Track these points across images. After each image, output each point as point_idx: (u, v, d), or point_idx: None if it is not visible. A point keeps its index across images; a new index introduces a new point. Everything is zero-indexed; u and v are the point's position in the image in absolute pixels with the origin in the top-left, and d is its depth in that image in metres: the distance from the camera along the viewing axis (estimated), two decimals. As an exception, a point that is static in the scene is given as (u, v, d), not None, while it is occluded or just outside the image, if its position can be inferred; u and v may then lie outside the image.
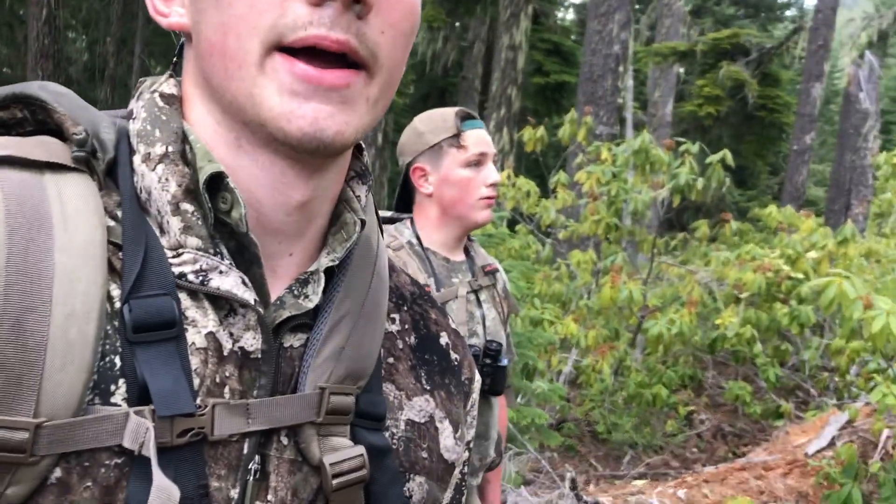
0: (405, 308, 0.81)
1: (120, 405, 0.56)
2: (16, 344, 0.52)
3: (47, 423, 0.52)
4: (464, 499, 0.87)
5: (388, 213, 2.11)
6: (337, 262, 0.69)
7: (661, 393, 5.89)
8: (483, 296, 2.05)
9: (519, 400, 5.18)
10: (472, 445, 0.87)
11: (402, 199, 2.11)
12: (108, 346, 0.57)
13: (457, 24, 16.63)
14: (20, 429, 0.51)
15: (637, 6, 21.02)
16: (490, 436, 2.07)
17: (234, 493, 0.61)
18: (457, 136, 1.99)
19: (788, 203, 11.45)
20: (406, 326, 0.79)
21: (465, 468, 0.85)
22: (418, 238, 2.00)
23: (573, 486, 3.75)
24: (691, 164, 5.70)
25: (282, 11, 0.56)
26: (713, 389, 7.43)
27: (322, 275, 0.68)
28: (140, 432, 0.54)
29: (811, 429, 5.27)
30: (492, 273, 2.11)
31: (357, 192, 0.71)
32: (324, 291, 0.68)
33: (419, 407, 0.76)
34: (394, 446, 0.72)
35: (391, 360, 0.75)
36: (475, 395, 0.86)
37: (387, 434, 0.71)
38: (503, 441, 2.18)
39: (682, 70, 17.61)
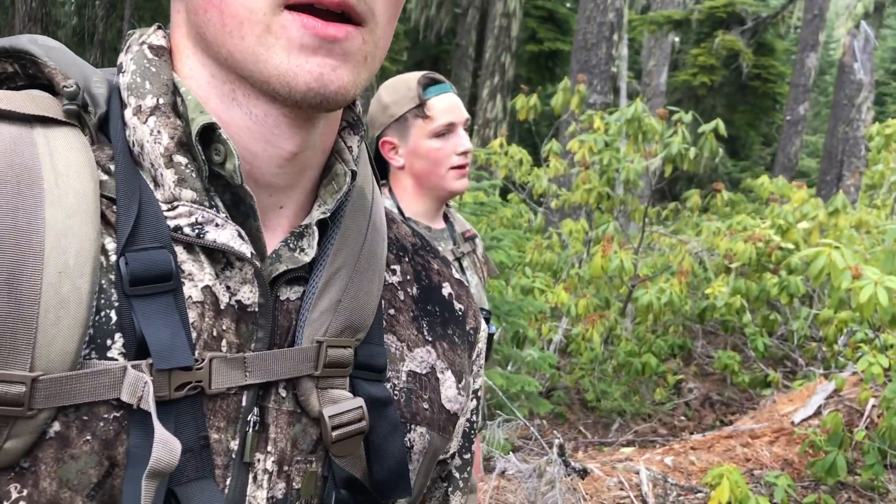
0: (406, 259, 0.81)
1: (117, 359, 0.56)
2: (8, 298, 0.52)
3: (43, 376, 0.52)
4: (473, 446, 0.88)
5: None
6: (329, 215, 0.69)
7: (650, 362, 5.93)
8: (465, 262, 2.03)
9: (509, 368, 5.21)
10: (479, 394, 0.87)
11: (378, 171, 2.06)
12: (103, 301, 0.57)
13: (451, -10, 16.46)
14: (16, 382, 0.51)
15: (633, -26, 20.81)
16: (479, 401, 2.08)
17: (234, 445, 0.61)
18: (421, 105, 1.93)
19: (781, 174, 11.45)
20: (408, 277, 0.79)
21: (473, 416, 0.86)
22: (399, 208, 1.96)
23: (561, 453, 3.78)
24: (684, 133, 5.69)
25: None
26: (702, 359, 7.49)
27: (315, 228, 0.68)
28: (138, 386, 0.55)
29: (798, 398, 5.32)
30: (471, 239, 2.09)
31: (349, 142, 0.71)
32: (319, 244, 0.68)
33: (420, 358, 0.76)
34: (395, 397, 0.72)
35: (392, 311, 0.76)
36: (481, 345, 0.86)
37: (388, 385, 0.72)
38: (484, 406, 2.18)
39: (677, 39, 17.49)
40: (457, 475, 0.86)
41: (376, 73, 0.66)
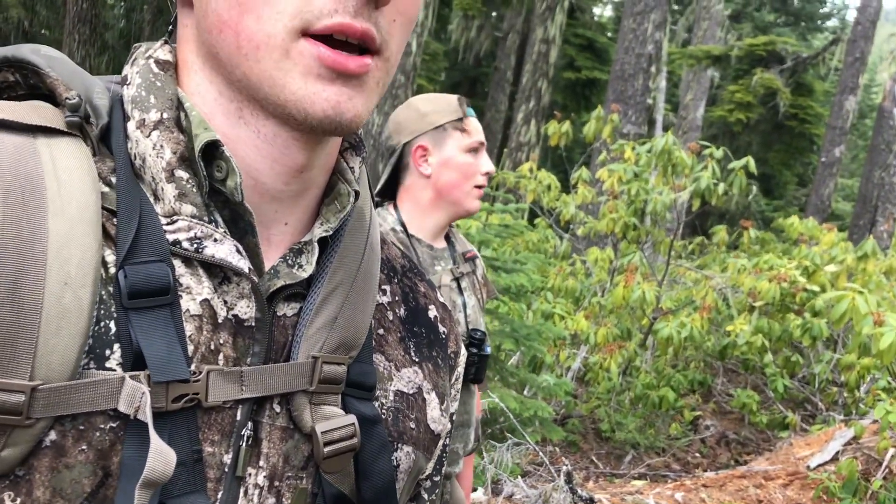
0: (395, 280, 0.82)
1: (115, 370, 0.56)
2: (11, 307, 0.52)
3: (43, 385, 0.52)
4: (443, 469, 0.89)
5: None
6: (331, 233, 0.69)
7: (667, 396, 5.88)
8: (464, 283, 2.03)
9: (525, 392, 5.19)
10: (454, 418, 0.88)
11: (390, 183, 2.04)
12: (102, 312, 0.57)
13: (493, 13, 16.58)
14: (16, 391, 0.51)
15: (675, 7, 20.83)
16: (471, 423, 2.08)
17: (227, 459, 0.61)
18: (461, 119, 1.97)
19: (813, 215, 11.34)
20: (396, 298, 0.80)
21: (447, 440, 0.87)
22: (403, 225, 1.96)
23: (568, 480, 3.76)
24: (714, 168, 5.66)
25: None
26: (721, 396, 7.40)
27: (316, 245, 0.68)
28: (136, 396, 0.55)
29: (815, 442, 5.24)
30: (471, 260, 2.09)
31: (351, 163, 0.72)
32: (317, 262, 0.69)
33: (408, 378, 0.77)
34: (383, 416, 0.73)
35: (381, 331, 0.76)
36: (460, 369, 0.87)
37: (376, 404, 0.72)
38: (479, 427, 2.18)
39: (715, 74, 17.43)
40: (425, 496, 0.86)
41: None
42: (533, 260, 5.36)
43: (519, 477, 4.39)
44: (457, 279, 2.01)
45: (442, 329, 0.85)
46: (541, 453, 4.71)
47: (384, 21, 0.60)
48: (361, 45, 0.59)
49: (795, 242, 7.50)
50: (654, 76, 10.70)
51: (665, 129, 13.69)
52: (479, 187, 2.00)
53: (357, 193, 0.71)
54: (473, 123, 2.00)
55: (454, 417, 0.88)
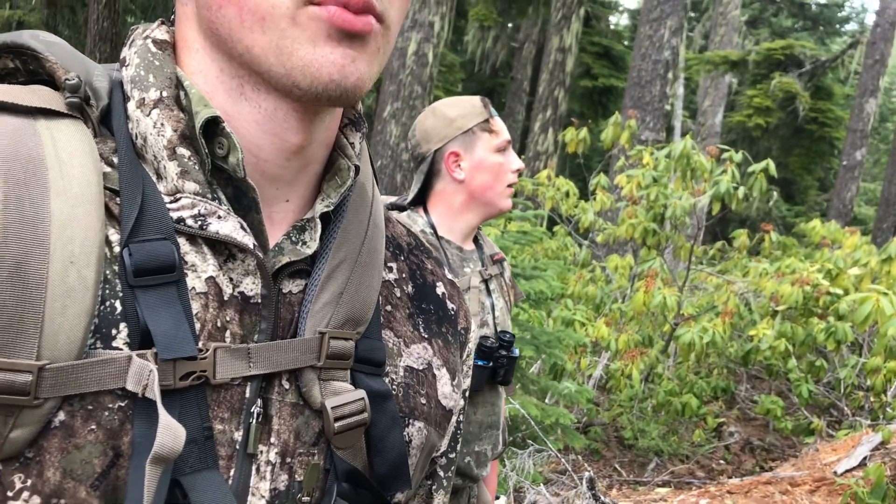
0: (402, 257, 0.82)
1: (121, 349, 0.56)
2: (15, 287, 0.52)
3: (50, 365, 0.52)
4: (458, 447, 0.89)
5: (393, 199, 2.08)
6: (332, 208, 0.69)
7: (690, 402, 5.83)
8: (492, 285, 2.04)
9: (546, 400, 5.17)
10: (467, 395, 0.88)
11: (422, 190, 2.04)
12: (108, 291, 0.57)
13: (508, 24, 16.62)
14: (23, 371, 0.51)
15: (691, 14, 20.80)
16: (499, 425, 2.07)
17: (238, 436, 0.61)
18: (487, 120, 1.99)
19: (835, 220, 11.22)
20: (403, 275, 0.80)
21: (461, 417, 0.87)
22: (433, 227, 1.97)
23: (591, 486, 3.74)
24: (733, 172, 5.63)
25: None
26: (745, 403, 7.33)
27: (318, 221, 0.68)
28: (143, 374, 0.55)
29: (842, 448, 5.17)
30: (499, 262, 2.10)
31: (351, 138, 0.72)
32: (321, 238, 0.69)
33: (417, 354, 0.77)
34: (393, 392, 0.72)
35: (389, 307, 0.76)
36: (471, 345, 0.87)
37: (386, 380, 0.72)
38: (506, 430, 2.18)
39: (734, 80, 17.36)
40: (441, 474, 0.86)
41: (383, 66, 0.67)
42: (553, 266, 5.34)
43: (542, 485, 4.36)
44: (485, 281, 2.01)
45: (451, 305, 0.84)
46: (563, 460, 4.68)
47: None
48: (363, 10, 0.59)
49: (818, 246, 7.43)
50: (672, 82, 10.67)
51: (683, 135, 13.63)
52: (511, 185, 2.02)
53: (357, 168, 0.71)
54: (499, 123, 2.02)
55: (466, 394, 0.88)
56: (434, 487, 0.86)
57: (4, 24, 14.30)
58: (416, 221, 1.98)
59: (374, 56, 0.62)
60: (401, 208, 2.03)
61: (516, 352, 1.99)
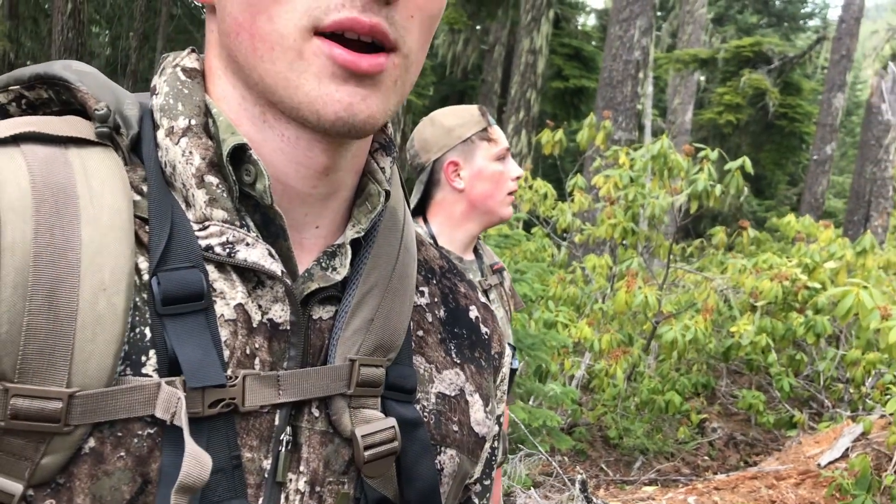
0: (434, 281, 0.81)
1: (151, 376, 0.56)
2: (48, 314, 0.52)
3: (80, 392, 0.52)
4: (493, 472, 0.87)
5: None
6: (363, 234, 0.69)
7: (674, 400, 5.87)
8: (492, 295, 2.03)
9: (531, 402, 5.18)
10: (501, 420, 0.86)
11: (421, 201, 2.04)
12: (137, 318, 0.57)
13: (478, 27, 16.65)
14: (54, 398, 0.51)
15: (659, 13, 20.98)
16: (503, 435, 2.07)
17: (267, 465, 0.61)
18: (486, 129, 1.98)
19: (807, 213, 11.38)
20: (435, 300, 0.79)
21: (495, 443, 0.86)
22: (433, 237, 1.97)
23: (583, 489, 3.74)
24: (710, 170, 5.68)
25: None
26: (726, 398, 7.39)
27: (349, 247, 0.68)
28: (172, 402, 0.55)
29: (824, 440, 5.23)
30: (499, 272, 2.09)
31: (381, 163, 0.72)
32: (351, 264, 0.68)
33: (449, 380, 0.76)
34: (424, 419, 0.71)
35: (421, 332, 0.75)
36: (505, 370, 0.85)
37: (417, 407, 0.71)
38: (507, 440, 2.17)
39: (702, 78, 17.55)
40: (476, 501, 0.85)
41: (407, 95, 0.66)
42: (533, 269, 5.36)
43: (531, 488, 4.36)
44: (485, 291, 2.00)
45: (484, 329, 0.83)
46: (553, 463, 4.69)
47: (399, 17, 0.59)
48: (375, 43, 0.58)
49: (792, 241, 7.51)
50: (643, 82, 10.75)
51: (654, 134, 13.74)
52: (511, 193, 2.02)
53: (388, 193, 0.71)
54: (497, 131, 2.01)
55: (501, 420, 0.86)
56: None
57: (-34, 37, 14.07)
58: None
59: (390, 90, 0.60)
60: None
61: (516, 363, 1.98)
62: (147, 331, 0.57)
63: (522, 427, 4.45)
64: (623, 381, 5.76)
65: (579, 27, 18.66)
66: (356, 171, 0.69)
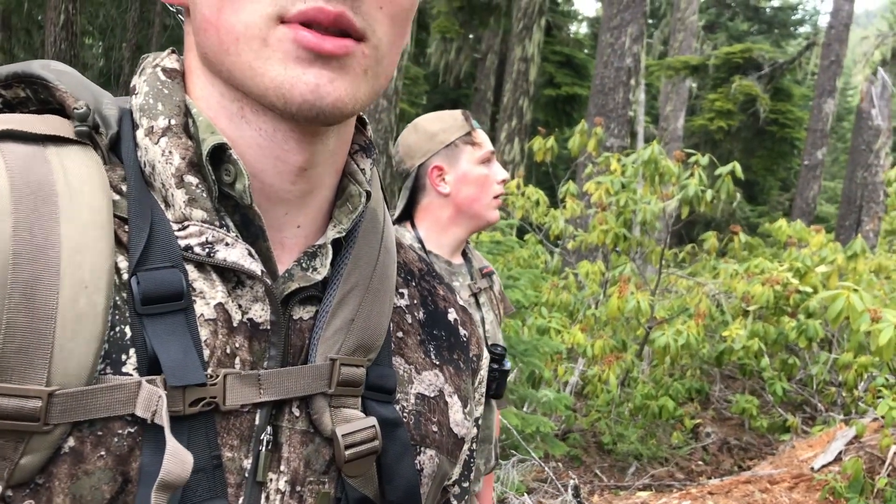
0: (413, 283, 0.81)
1: (131, 374, 0.56)
2: (27, 312, 0.52)
3: (60, 391, 0.52)
4: (472, 475, 0.88)
5: None
6: (344, 234, 0.69)
7: (667, 405, 5.87)
8: (482, 298, 2.03)
9: (524, 408, 5.18)
10: (479, 423, 0.87)
11: (407, 205, 2.05)
12: (117, 317, 0.57)
13: (470, 35, 16.70)
14: (33, 397, 0.51)
15: (650, 21, 21.07)
16: (492, 439, 2.06)
17: (247, 464, 0.61)
18: (469, 133, 1.99)
19: (799, 218, 11.41)
20: (415, 301, 0.80)
21: (473, 444, 0.86)
22: (420, 241, 1.97)
23: (576, 494, 3.74)
24: (701, 175, 5.70)
25: None
26: (720, 403, 7.40)
27: (330, 247, 0.68)
28: (152, 400, 0.55)
29: (818, 443, 5.24)
30: (488, 275, 2.10)
31: (361, 165, 0.72)
32: (332, 264, 0.69)
33: (428, 381, 0.76)
34: (404, 419, 0.72)
35: (400, 334, 0.76)
36: (483, 372, 0.86)
37: (397, 407, 0.71)
38: (498, 444, 2.17)
39: (694, 85, 17.62)
40: (454, 503, 0.86)
41: (382, 91, 0.66)
42: (526, 275, 5.36)
43: (525, 494, 4.35)
44: (475, 294, 2.01)
45: (463, 332, 0.84)
46: (546, 469, 4.69)
47: (367, 7, 0.59)
48: (341, 31, 0.58)
49: (784, 246, 7.53)
50: (634, 89, 10.79)
51: (647, 140, 13.77)
52: (497, 197, 2.02)
53: (368, 194, 0.71)
54: (481, 135, 2.02)
55: (479, 423, 0.87)
56: None
57: (-42, 48, 14.06)
58: (403, 237, 1.97)
59: (359, 77, 0.60)
60: None
61: (507, 365, 1.98)
62: (127, 329, 0.57)
63: (515, 433, 4.45)
64: (616, 386, 5.76)
65: (571, 35, 18.73)
66: (336, 171, 0.69)
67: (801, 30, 27.42)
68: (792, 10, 26.67)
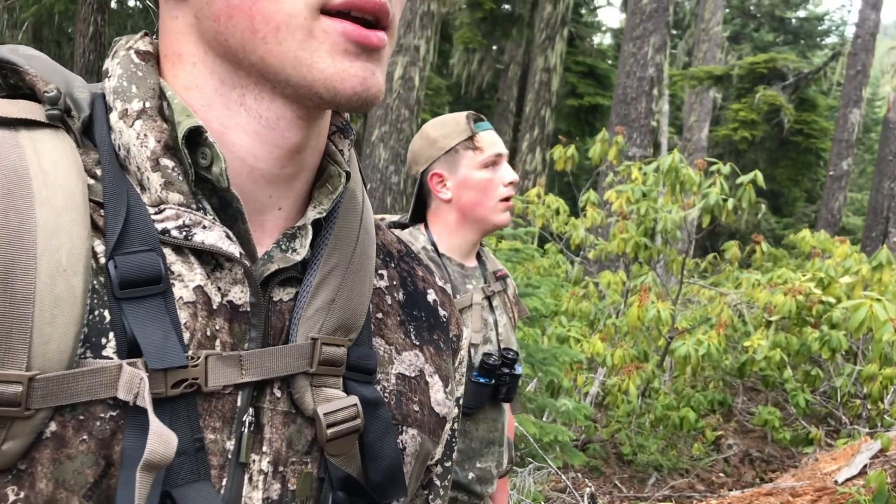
0: (392, 265, 0.81)
1: (112, 358, 0.56)
2: (4, 297, 0.52)
3: (40, 375, 0.52)
4: (454, 455, 0.88)
5: (397, 217, 2.09)
6: (324, 214, 0.69)
7: (688, 416, 5.81)
8: (495, 301, 2.03)
9: (544, 418, 5.14)
10: (461, 402, 0.87)
11: (417, 210, 2.07)
12: (96, 301, 0.57)
13: (493, 46, 16.73)
14: (13, 382, 0.51)
15: (674, 31, 21.00)
16: (503, 442, 2.05)
17: (230, 446, 0.61)
18: (471, 138, 1.98)
19: (824, 229, 11.28)
20: (394, 283, 0.80)
21: (455, 425, 0.86)
22: (433, 244, 1.97)
23: (592, 502, 3.71)
24: (722, 184, 5.65)
25: None
26: (742, 415, 7.32)
27: (310, 228, 0.68)
28: (134, 383, 0.54)
29: (842, 457, 5.16)
30: (502, 278, 2.09)
31: (340, 145, 0.72)
32: (312, 245, 0.69)
33: (409, 361, 0.76)
34: (385, 399, 0.72)
35: (380, 315, 0.76)
36: (463, 352, 0.86)
37: (378, 387, 0.71)
38: (513, 447, 2.15)
39: (718, 95, 17.51)
40: (438, 483, 0.86)
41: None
42: (546, 284, 5.34)
43: (542, 503, 4.33)
44: (488, 297, 2.01)
45: (442, 312, 0.84)
46: (564, 478, 4.65)
47: None
48: (375, 21, 0.60)
49: (808, 257, 7.45)
50: (657, 99, 10.75)
51: (670, 151, 13.70)
52: (506, 200, 2.00)
53: (348, 175, 0.71)
54: (486, 138, 2.00)
55: (460, 402, 0.87)
56: (431, 497, 0.86)
57: (-10, 59, 14.31)
58: (417, 238, 1.98)
59: (384, 65, 0.63)
60: (402, 226, 2.05)
61: (519, 369, 1.97)
62: (106, 313, 0.57)
63: (532, 441, 4.43)
64: (636, 396, 5.72)
65: (594, 46, 18.71)
66: (319, 151, 0.70)
67: (828, 40, 27.17)
68: (818, 21, 26.46)
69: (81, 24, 11.44)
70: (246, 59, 0.60)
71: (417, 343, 0.78)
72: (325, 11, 0.58)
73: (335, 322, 0.67)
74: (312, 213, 0.69)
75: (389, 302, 0.78)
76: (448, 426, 0.83)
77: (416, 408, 0.75)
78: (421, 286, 0.83)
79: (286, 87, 0.60)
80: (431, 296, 0.84)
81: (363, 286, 0.71)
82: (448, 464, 0.87)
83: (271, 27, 0.58)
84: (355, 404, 0.66)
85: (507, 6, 15.29)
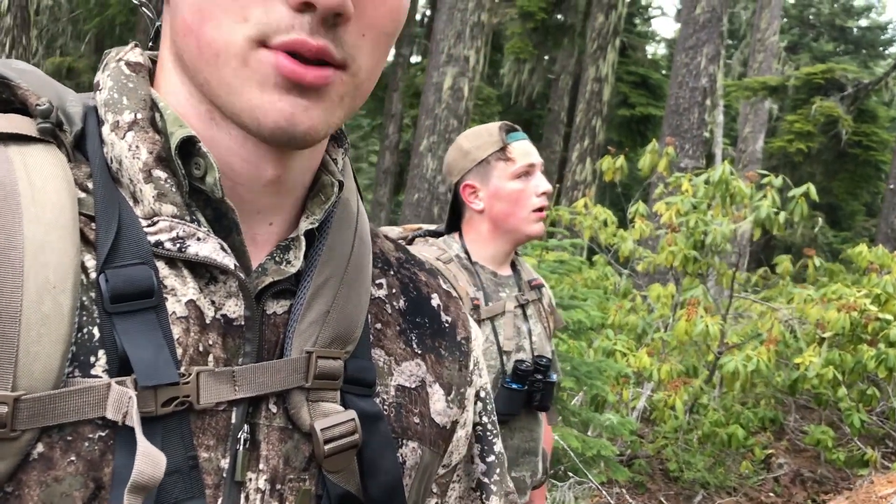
0: (391, 273, 0.79)
1: (101, 377, 0.55)
2: None
3: (26, 396, 0.51)
4: (495, 448, 0.86)
5: (433, 227, 2.12)
6: (317, 225, 0.68)
7: (737, 433, 5.69)
8: (529, 310, 2.04)
9: (588, 432, 5.08)
10: (482, 395, 0.85)
11: (452, 219, 2.10)
12: (85, 318, 0.56)
13: (544, 56, 16.70)
14: None
15: (729, 42, 20.70)
16: (538, 451, 2.04)
17: (225, 464, 0.60)
18: (503, 149, 1.99)
19: (883, 244, 10.96)
20: (394, 291, 0.78)
21: (483, 418, 0.85)
22: (467, 252, 2.00)
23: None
24: (773, 197, 5.53)
25: (265, 10, 0.55)
26: (795, 434, 7.13)
27: (303, 239, 0.67)
28: (123, 401, 0.53)
29: (898, 479, 4.99)
30: (538, 288, 2.10)
31: (333, 155, 0.71)
32: (306, 256, 0.67)
33: (409, 372, 0.74)
34: (385, 412, 0.70)
35: (379, 325, 0.74)
36: (476, 352, 0.84)
37: (377, 400, 0.70)
38: (548, 459, 2.14)
39: (774, 106, 17.18)
40: (486, 480, 0.84)
41: (358, 109, 0.65)
42: (592, 296, 5.28)
43: (584, 518, 4.27)
44: (521, 306, 2.02)
45: (446, 318, 0.81)
46: (605, 493, 4.59)
47: (350, 37, 0.58)
48: (322, 61, 0.57)
49: (865, 272, 7.23)
50: (710, 109, 10.60)
51: (724, 162, 13.47)
52: (540, 210, 2.00)
53: (342, 184, 0.70)
54: (519, 148, 2.01)
55: (482, 394, 0.85)
56: (484, 497, 0.85)
57: (55, 70, 14.78)
58: (451, 247, 2.01)
59: (335, 104, 0.60)
60: (438, 234, 2.07)
61: (553, 376, 1.97)
62: (95, 330, 0.56)
63: (573, 455, 4.38)
64: (683, 412, 5.61)
65: (649, 56, 18.55)
66: (311, 170, 0.68)
67: (891, 50, 26.49)
68: (881, 30, 25.82)
69: (141, 34, 11.76)
70: (195, 79, 0.60)
71: (419, 351, 0.76)
72: (266, 45, 0.56)
73: (330, 334, 0.65)
74: (305, 224, 0.67)
75: (389, 311, 0.76)
76: (462, 431, 0.81)
77: (417, 420, 0.73)
78: (424, 291, 0.81)
79: (224, 111, 0.59)
80: (435, 300, 0.82)
81: (359, 296, 0.69)
82: (490, 458, 0.85)
83: (212, 52, 0.57)
84: (353, 419, 0.65)
85: (559, 16, 15.24)
